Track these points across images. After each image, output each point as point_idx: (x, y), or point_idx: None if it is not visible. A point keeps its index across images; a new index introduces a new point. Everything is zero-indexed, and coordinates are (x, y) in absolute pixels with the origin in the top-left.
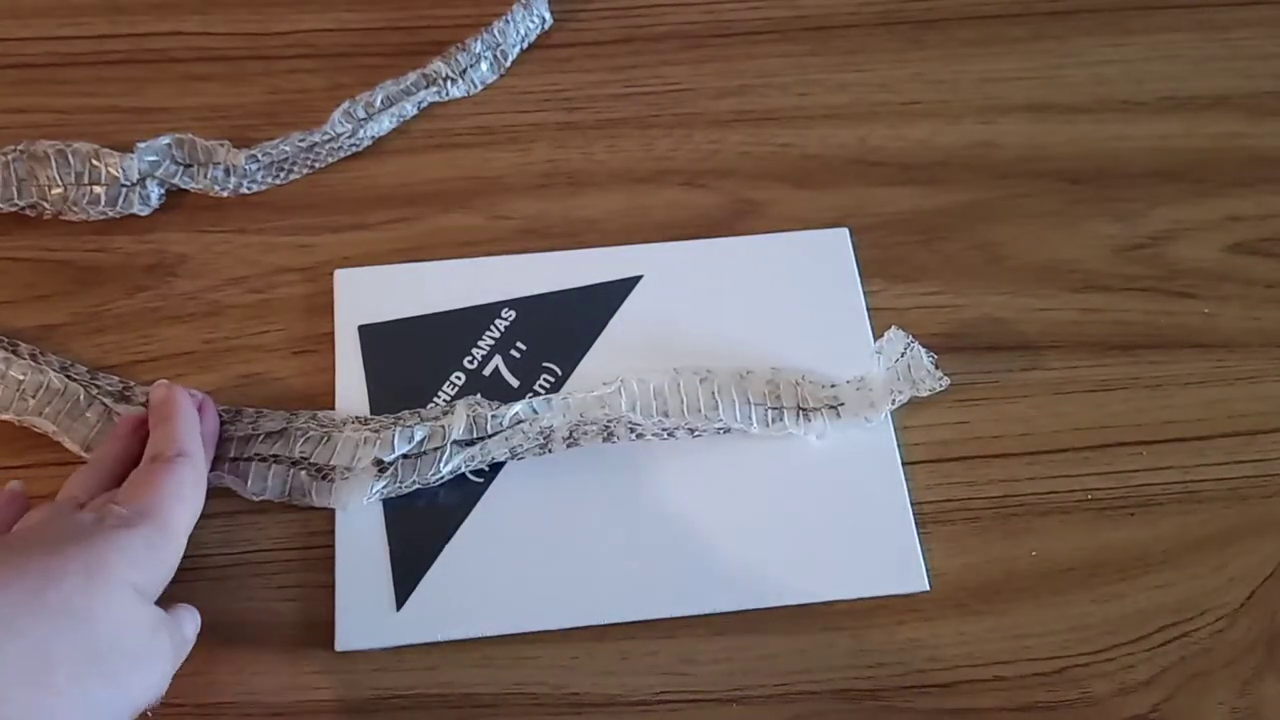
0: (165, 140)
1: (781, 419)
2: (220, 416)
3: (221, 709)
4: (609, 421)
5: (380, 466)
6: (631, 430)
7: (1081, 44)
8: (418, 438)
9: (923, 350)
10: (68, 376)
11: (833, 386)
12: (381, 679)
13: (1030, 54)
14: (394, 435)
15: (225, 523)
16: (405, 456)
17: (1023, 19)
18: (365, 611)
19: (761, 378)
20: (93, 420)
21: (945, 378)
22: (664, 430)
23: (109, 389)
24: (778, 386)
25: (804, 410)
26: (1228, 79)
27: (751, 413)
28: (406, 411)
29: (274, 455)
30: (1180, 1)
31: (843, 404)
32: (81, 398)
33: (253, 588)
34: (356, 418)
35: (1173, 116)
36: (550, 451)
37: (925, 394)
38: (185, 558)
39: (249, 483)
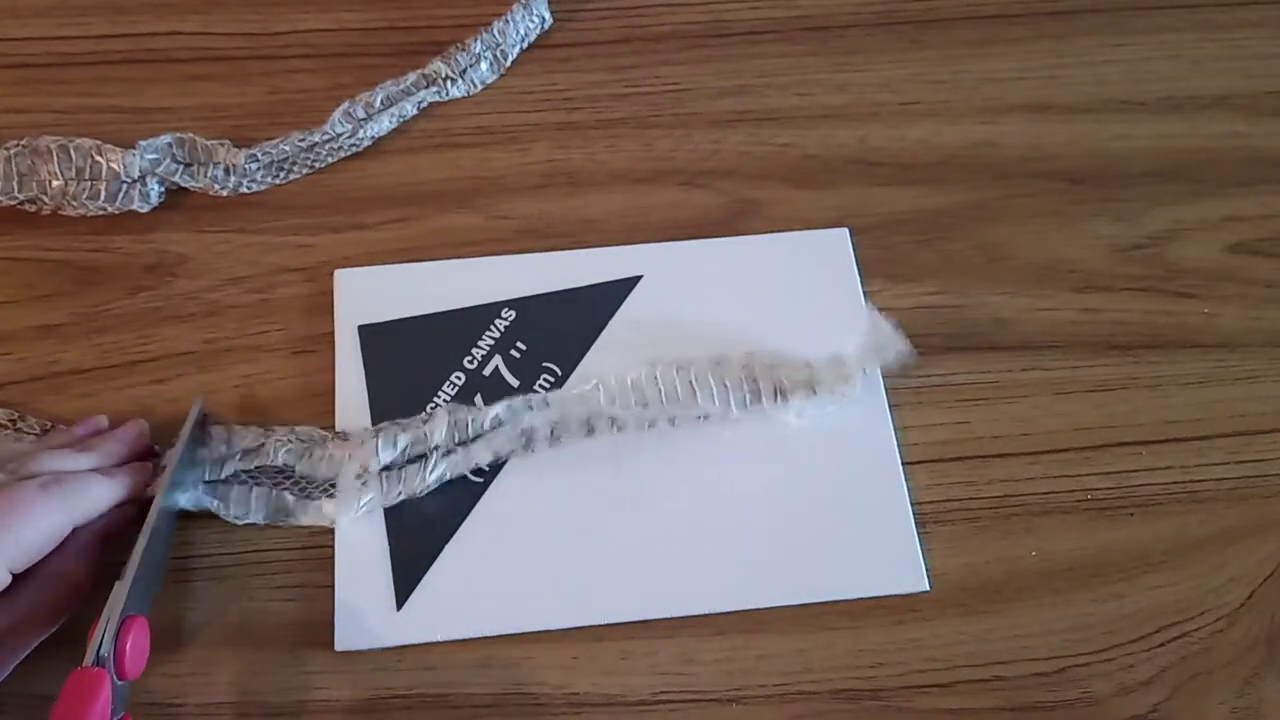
0: (166, 139)
1: (759, 400)
2: (210, 435)
3: (221, 709)
4: (589, 416)
5: (364, 480)
6: (612, 423)
7: (1081, 44)
8: (401, 445)
9: (883, 317)
10: None
11: (808, 365)
12: (381, 679)
13: (1030, 54)
14: (377, 444)
15: (224, 523)
16: (389, 468)
17: (1023, 19)
18: (365, 611)
19: (737, 363)
20: None
21: (906, 343)
22: (644, 421)
23: None
24: (753, 370)
25: (780, 391)
26: (1228, 79)
27: (729, 396)
28: (386, 423)
29: (254, 470)
30: (1180, 1)
31: (819, 381)
32: None
33: (253, 588)
34: (336, 434)
35: (1173, 116)
36: (534, 451)
37: (893, 362)
38: (184, 558)
39: (230, 506)
